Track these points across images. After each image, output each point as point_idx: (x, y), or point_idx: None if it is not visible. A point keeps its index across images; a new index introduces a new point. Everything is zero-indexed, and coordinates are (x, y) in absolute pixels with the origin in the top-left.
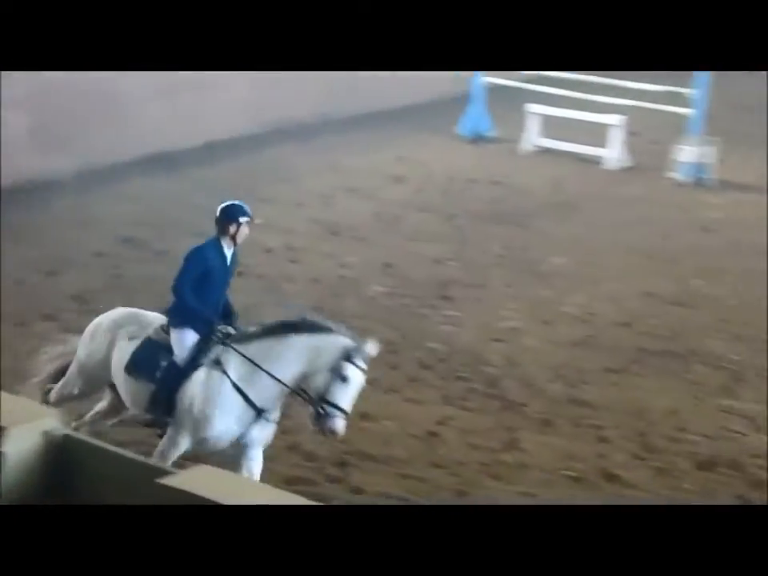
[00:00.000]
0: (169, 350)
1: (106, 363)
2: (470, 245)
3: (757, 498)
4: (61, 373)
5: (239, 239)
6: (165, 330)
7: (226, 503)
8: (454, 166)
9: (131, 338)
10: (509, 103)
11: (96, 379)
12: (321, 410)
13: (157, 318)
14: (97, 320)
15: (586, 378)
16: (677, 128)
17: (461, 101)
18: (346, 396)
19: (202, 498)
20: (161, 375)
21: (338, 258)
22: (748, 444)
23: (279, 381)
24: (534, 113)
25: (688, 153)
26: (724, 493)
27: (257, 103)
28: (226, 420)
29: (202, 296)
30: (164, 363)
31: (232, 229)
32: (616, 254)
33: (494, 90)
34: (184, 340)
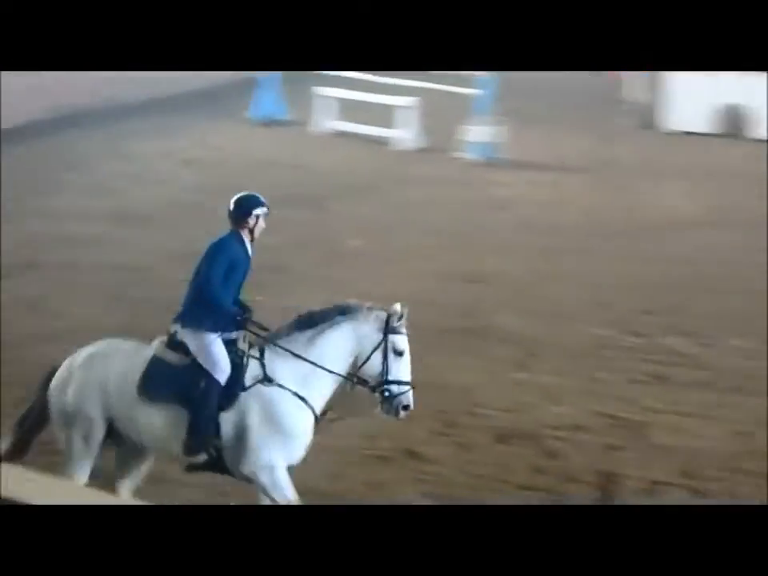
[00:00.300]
0: (192, 365)
1: (102, 402)
2: (269, 228)
3: (552, 467)
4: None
5: (257, 233)
6: (171, 345)
7: (31, 503)
8: (247, 150)
9: (127, 364)
10: (303, 86)
11: (93, 420)
12: (387, 393)
13: (140, 344)
14: (67, 363)
15: None
16: (468, 109)
17: (252, 84)
18: (406, 367)
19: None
20: (201, 395)
21: (134, 246)
22: (542, 416)
23: (345, 377)
24: (323, 96)
25: (477, 133)
26: (520, 465)
27: (46, 88)
28: (304, 433)
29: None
30: (201, 382)
31: (251, 222)
32: (412, 234)
33: (287, 72)
34: (215, 347)
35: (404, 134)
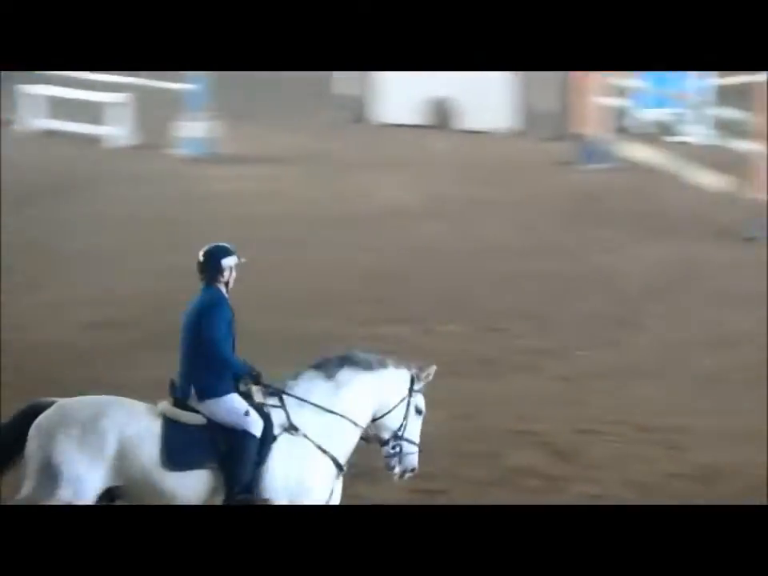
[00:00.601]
0: (213, 423)
1: (111, 468)
2: None
3: None
4: None
5: (231, 284)
6: (180, 404)
7: None
8: None
9: (140, 429)
10: (8, 83)
11: (88, 488)
12: (399, 449)
13: (144, 404)
14: (63, 411)
15: (112, 358)
16: (181, 105)
17: None
18: (418, 428)
19: None
20: (237, 453)
21: None
22: None
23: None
24: (30, 94)
25: (190, 129)
26: None
27: None
28: (323, 487)
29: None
30: (232, 439)
31: (227, 274)
32: (128, 232)
33: None
34: (240, 404)
35: (116, 131)
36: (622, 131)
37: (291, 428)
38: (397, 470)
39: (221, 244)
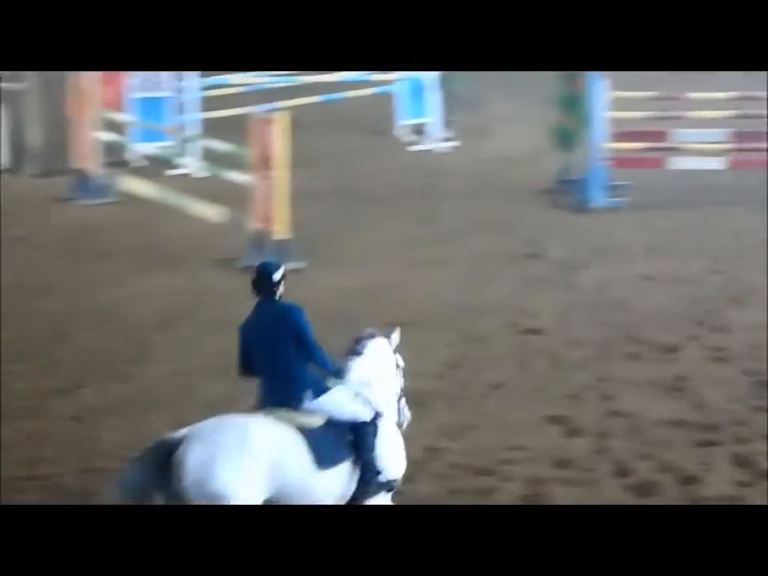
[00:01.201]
0: (332, 421)
1: (268, 486)
2: None
3: None
4: None
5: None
6: (295, 405)
7: None
8: None
9: (279, 440)
10: None
11: None
12: (399, 406)
13: (261, 418)
14: (206, 446)
15: None
16: None
17: None
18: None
19: None
20: (363, 441)
21: None
22: None
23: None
24: None
25: None
26: None
27: None
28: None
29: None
30: (358, 428)
31: (281, 287)
32: None
33: None
34: (342, 394)
35: None
36: (121, 165)
37: (377, 415)
38: (399, 423)
39: (269, 260)
